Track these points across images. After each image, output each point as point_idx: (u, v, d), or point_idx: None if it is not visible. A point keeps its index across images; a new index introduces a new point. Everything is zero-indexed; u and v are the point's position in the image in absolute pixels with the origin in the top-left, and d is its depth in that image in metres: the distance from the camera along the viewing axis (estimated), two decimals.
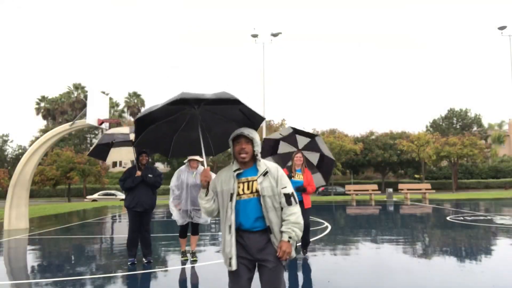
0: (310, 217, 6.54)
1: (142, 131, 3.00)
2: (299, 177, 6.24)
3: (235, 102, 2.69)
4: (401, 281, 4.81)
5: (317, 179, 6.87)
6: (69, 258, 6.75)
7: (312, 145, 6.69)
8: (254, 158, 2.67)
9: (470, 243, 7.63)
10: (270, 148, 6.86)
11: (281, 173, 2.66)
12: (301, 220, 2.61)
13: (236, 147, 2.64)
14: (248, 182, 2.61)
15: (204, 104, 2.83)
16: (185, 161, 6.31)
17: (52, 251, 7.72)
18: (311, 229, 6.55)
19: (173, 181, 6.06)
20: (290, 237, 2.56)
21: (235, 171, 2.64)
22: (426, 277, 4.97)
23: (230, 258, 2.57)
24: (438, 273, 5.14)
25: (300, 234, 2.61)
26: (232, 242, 2.58)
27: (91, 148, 6.73)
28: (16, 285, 4.97)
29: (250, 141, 2.64)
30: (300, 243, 6.45)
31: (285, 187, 2.61)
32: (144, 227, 6.07)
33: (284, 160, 6.82)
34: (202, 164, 6.14)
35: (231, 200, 2.59)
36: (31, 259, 6.82)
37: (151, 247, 6.17)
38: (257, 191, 2.59)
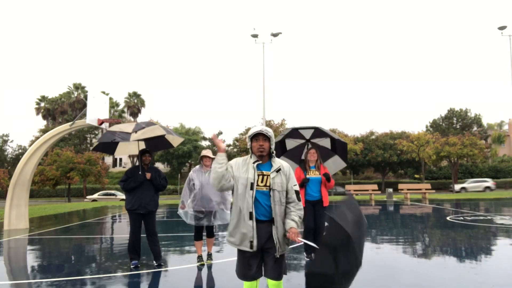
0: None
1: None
2: (314, 174, 6.02)
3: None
4: (401, 281, 4.81)
5: (337, 162, 6.68)
6: (69, 258, 6.75)
7: (318, 133, 6.48)
8: (269, 155, 2.93)
9: (470, 243, 7.63)
10: (278, 149, 6.71)
11: (292, 173, 2.98)
12: (302, 214, 2.94)
13: (254, 143, 2.90)
14: (263, 175, 2.87)
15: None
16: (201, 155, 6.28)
17: (52, 251, 7.71)
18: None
19: (187, 182, 5.98)
20: (297, 224, 2.87)
21: (254, 162, 2.89)
22: (426, 277, 4.97)
23: (252, 241, 2.80)
24: (438, 273, 5.14)
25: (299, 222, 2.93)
26: (254, 226, 2.81)
27: (95, 145, 6.53)
28: (16, 285, 4.97)
29: (268, 139, 2.89)
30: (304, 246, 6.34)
31: (295, 185, 2.95)
32: (150, 230, 5.88)
33: (296, 154, 6.67)
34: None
35: (251, 188, 2.83)
36: (31, 259, 6.82)
37: (160, 250, 5.97)
38: (270, 185, 2.84)
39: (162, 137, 6.53)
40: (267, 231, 2.83)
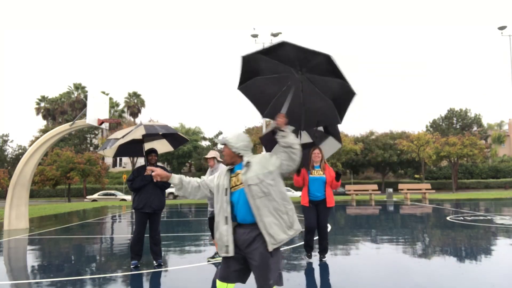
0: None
1: (248, 77, 3.30)
2: (318, 173, 5.97)
3: (336, 74, 2.98)
4: (401, 281, 4.81)
5: (333, 144, 6.48)
6: (69, 258, 6.75)
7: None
8: (241, 158, 2.94)
9: (470, 243, 7.63)
10: (270, 142, 6.45)
11: (271, 155, 2.92)
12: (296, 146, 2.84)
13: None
14: (237, 175, 2.89)
15: (306, 71, 3.04)
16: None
17: (52, 251, 7.71)
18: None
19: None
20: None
21: (228, 169, 2.96)
22: (426, 277, 4.97)
23: (227, 246, 2.79)
24: (438, 273, 5.14)
25: (294, 140, 2.82)
26: (229, 231, 2.80)
27: (114, 154, 6.44)
28: (16, 285, 4.97)
29: (225, 145, 2.94)
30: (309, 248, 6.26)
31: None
32: (154, 229, 5.89)
33: None
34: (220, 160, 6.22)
35: (226, 194, 2.85)
36: (31, 259, 6.81)
37: (160, 250, 5.98)
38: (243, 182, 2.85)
39: (174, 135, 6.50)
40: (250, 236, 2.77)
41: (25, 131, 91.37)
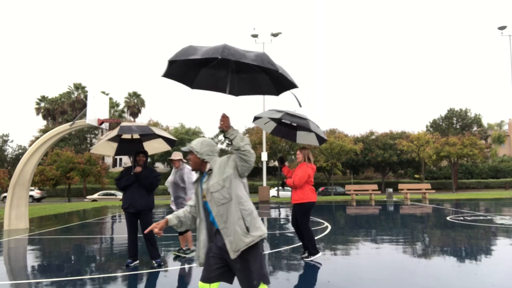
0: (310, 217, 6.35)
1: (192, 75, 3.36)
2: None
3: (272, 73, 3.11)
4: (401, 281, 4.81)
5: (312, 138, 6.41)
6: (69, 258, 6.75)
7: (304, 123, 6.02)
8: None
9: (470, 243, 7.63)
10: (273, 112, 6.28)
11: (228, 157, 2.83)
12: (248, 148, 2.72)
13: None
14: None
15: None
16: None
17: (52, 251, 7.71)
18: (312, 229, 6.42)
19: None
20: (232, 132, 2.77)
21: (197, 178, 2.95)
22: (426, 277, 4.97)
23: (199, 256, 2.87)
24: (438, 273, 5.14)
25: (240, 142, 2.69)
26: (203, 242, 2.86)
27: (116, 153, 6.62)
28: (16, 285, 4.97)
29: (191, 152, 2.91)
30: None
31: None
32: (145, 230, 5.92)
33: (272, 115, 6.27)
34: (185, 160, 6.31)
35: (201, 203, 2.89)
36: (31, 259, 6.82)
37: (157, 250, 5.94)
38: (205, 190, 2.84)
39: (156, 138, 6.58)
40: (222, 241, 2.75)
41: (25, 131, 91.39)
